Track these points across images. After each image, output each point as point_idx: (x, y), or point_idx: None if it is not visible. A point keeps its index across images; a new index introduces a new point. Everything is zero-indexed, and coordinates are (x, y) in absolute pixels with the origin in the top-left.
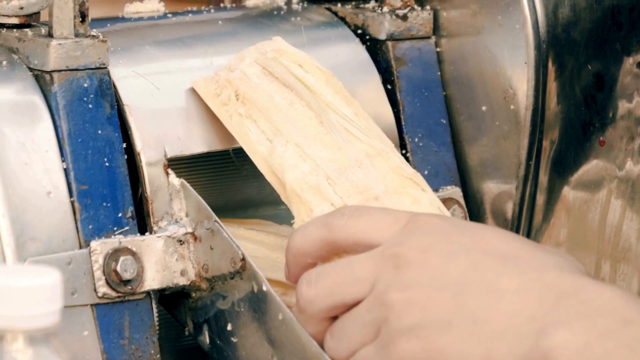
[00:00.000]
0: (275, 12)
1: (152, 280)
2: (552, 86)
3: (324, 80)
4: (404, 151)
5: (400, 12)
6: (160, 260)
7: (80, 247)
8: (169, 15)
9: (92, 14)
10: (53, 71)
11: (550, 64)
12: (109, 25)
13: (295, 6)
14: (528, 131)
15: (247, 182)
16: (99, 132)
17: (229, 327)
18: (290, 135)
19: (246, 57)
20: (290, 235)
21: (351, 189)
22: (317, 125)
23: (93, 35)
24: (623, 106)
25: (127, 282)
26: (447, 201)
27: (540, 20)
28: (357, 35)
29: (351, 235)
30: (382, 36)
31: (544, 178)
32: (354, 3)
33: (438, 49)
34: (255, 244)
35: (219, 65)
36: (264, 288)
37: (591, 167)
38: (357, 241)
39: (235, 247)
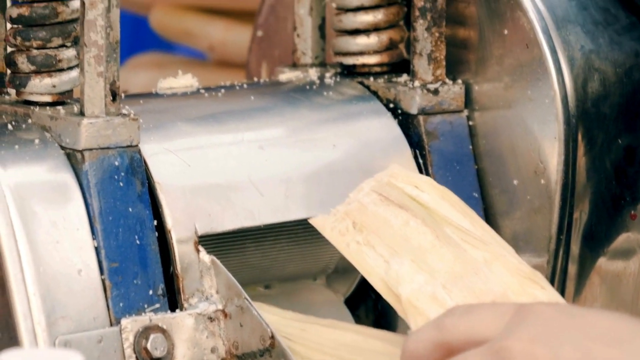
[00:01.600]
0: (308, 87)
1: (183, 358)
2: (582, 160)
3: (439, 196)
4: None
5: (432, 87)
6: (191, 337)
7: (111, 325)
8: (202, 90)
9: (139, 77)
10: (84, 150)
11: (580, 138)
12: (141, 101)
13: (328, 80)
14: (558, 205)
15: (276, 259)
16: (130, 209)
17: None
18: (405, 252)
19: (364, 188)
20: (405, 340)
21: (468, 295)
22: (433, 239)
23: (124, 114)
24: None
25: (157, 359)
26: None
27: (569, 95)
28: (389, 109)
29: (462, 333)
30: (414, 110)
31: (575, 251)
32: (386, 77)
33: (470, 123)
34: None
35: (250, 140)
36: None
37: (623, 240)
38: (468, 339)
39: (265, 324)
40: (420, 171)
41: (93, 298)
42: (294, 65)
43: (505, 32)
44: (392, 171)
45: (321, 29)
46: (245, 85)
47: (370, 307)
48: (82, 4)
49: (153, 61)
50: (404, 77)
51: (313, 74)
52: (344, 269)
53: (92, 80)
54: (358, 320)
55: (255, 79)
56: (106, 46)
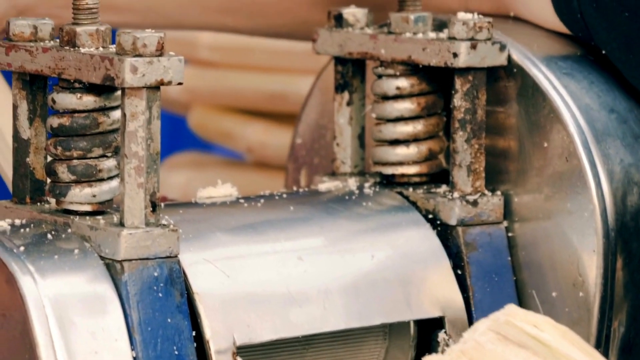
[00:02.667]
0: (347, 197)
1: None
2: (620, 273)
3: (559, 335)
4: None
5: (471, 198)
6: None
7: None
8: (241, 200)
9: (177, 177)
10: (124, 260)
11: (618, 252)
12: (181, 211)
13: (367, 190)
14: (597, 318)
15: None
16: (169, 320)
17: None
18: None
19: (479, 328)
20: None
21: None
22: None
23: (164, 224)
24: None
25: None
26: None
27: (608, 208)
28: (428, 219)
29: None
30: (453, 222)
31: None
32: (425, 187)
33: (509, 234)
34: None
35: (288, 250)
36: None
37: None
38: None
39: None
40: (459, 283)
41: None
42: (333, 174)
43: (545, 144)
44: (510, 310)
45: (360, 138)
46: (284, 195)
47: None
48: (124, 115)
49: (190, 161)
50: (443, 188)
51: (352, 183)
52: None
53: (132, 191)
54: None
55: (295, 188)
56: (147, 157)
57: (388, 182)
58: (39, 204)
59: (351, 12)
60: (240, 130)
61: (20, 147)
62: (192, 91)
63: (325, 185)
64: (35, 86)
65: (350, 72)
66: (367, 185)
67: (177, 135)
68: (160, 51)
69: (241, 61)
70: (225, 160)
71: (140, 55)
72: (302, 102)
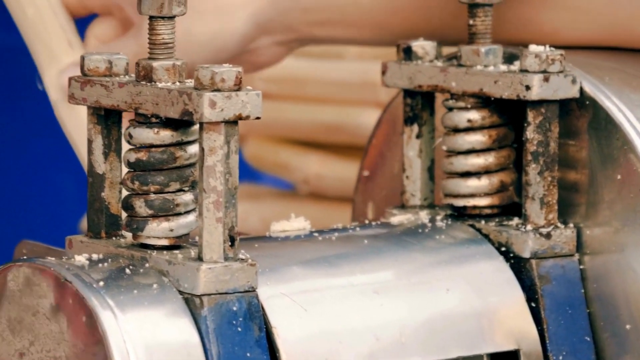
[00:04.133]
0: (420, 230)
1: None
2: None
3: None
4: None
5: (544, 231)
6: None
7: None
8: (315, 234)
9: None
10: (203, 295)
11: None
12: (256, 245)
13: (439, 223)
14: None
15: None
16: (248, 354)
17: None
18: None
19: None
20: None
21: None
22: None
23: (242, 259)
24: None
25: None
26: None
27: None
28: (501, 252)
29: None
30: (526, 254)
31: None
32: (497, 220)
33: (581, 267)
34: None
35: (364, 283)
36: None
37: None
38: None
39: None
40: (533, 316)
41: None
42: (403, 207)
43: (618, 177)
44: None
45: (430, 170)
46: (357, 228)
47: None
48: (202, 149)
49: (244, 192)
50: (516, 220)
51: (424, 216)
52: None
53: (210, 226)
54: None
55: (366, 221)
56: (225, 192)
57: (459, 214)
58: (114, 238)
59: (420, 45)
60: (297, 162)
61: (95, 181)
62: (248, 124)
63: (397, 218)
64: (110, 120)
65: (420, 104)
66: (438, 218)
67: None
68: (238, 85)
69: (296, 93)
70: (277, 191)
71: (218, 90)
72: (360, 132)
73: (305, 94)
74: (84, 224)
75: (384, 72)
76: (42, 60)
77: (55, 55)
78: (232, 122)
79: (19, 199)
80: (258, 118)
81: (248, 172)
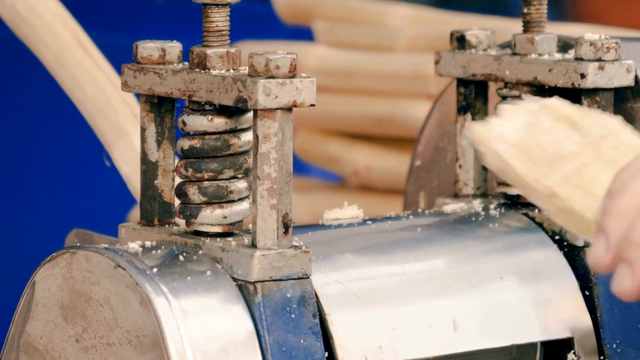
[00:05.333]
0: (473, 218)
1: None
2: None
3: None
4: (602, 357)
5: None
6: None
7: None
8: (369, 222)
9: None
10: (257, 282)
11: None
12: (309, 232)
13: (492, 212)
14: None
15: None
16: (302, 341)
17: None
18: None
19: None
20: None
21: None
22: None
23: (296, 246)
24: None
25: None
26: None
27: None
28: (555, 241)
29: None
30: (580, 243)
31: None
32: None
33: None
34: None
35: (417, 271)
36: None
37: None
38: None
39: None
40: (587, 304)
41: None
42: (456, 196)
43: None
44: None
45: None
46: (410, 216)
47: None
48: (256, 137)
49: (293, 185)
50: None
51: (477, 205)
52: None
53: (264, 213)
54: None
55: (419, 210)
56: (279, 179)
57: (513, 203)
58: (167, 226)
59: (474, 34)
60: (346, 154)
61: (148, 169)
62: (297, 115)
63: (450, 206)
64: (163, 108)
65: (473, 93)
66: (492, 206)
67: None
68: (292, 72)
69: (346, 85)
70: (326, 183)
71: (273, 77)
72: (409, 125)
73: (355, 86)
74: (133, 215)
75: (437, 62)
76: (108, 136)
77: (124, 128)
78: (287, 109)
79: (70, 189)
80: (313, 105)
81: (296, 165)
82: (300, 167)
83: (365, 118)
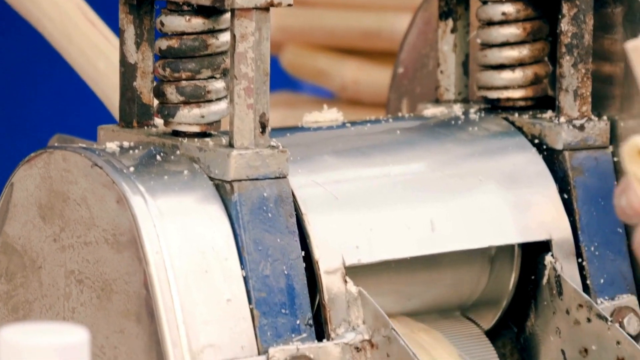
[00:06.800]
0: (452, 122)
1: None
2: None
3: None
4: (580, 259)
5: (578, 123)
6: None
7: (259, 354)
8: (348, 124)
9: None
10: (233, 181)
11: None
12: (288, 134)
13: (472, 116)
14: None
15: (419, 291)
16: (278, 240)
17: None
18: None
19: None
20: None
21: None
22: None
23: (273, 146)
24: None
25: None
26: (622, 310)
27: None
28: (534, 144)
29: None
30: (559, 146)
31: None
32: (531, 113)
33: (615, 159)
34: None
35: (396, 174)
36: None
37: None
38: None
39: (412, 354)
40: (565, 207)
41: (241, 327)
42: (437, 101)
43: None
44: None
45: (464, 65)
46: (390, 120)
47: (512, 340)
48: (233, 36)
49: (283, 100)
50: (549, 113)
51: (457, 109)
52: (487, 300)
53: (241, 112)
54: (498, 351)
55: (400, 114)
56: (256, 78)
57: (493, 107)
58: (145, 127)
59: None
60: (335, 69)
61: (127, 71)
62: (286, 30)
63: (430, 111)
64: (142, 10)
65: None
66: (472, 110)
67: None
68: None
69: None
70: (316, 99)
71: None
72: (397, 38)
73: (343, 1)
74: None
75: None
76: None
77: None
78: (264, 9)
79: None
80: (290, 5)
81: (287, 81)
82: (291, 83)
83: (353, 32)
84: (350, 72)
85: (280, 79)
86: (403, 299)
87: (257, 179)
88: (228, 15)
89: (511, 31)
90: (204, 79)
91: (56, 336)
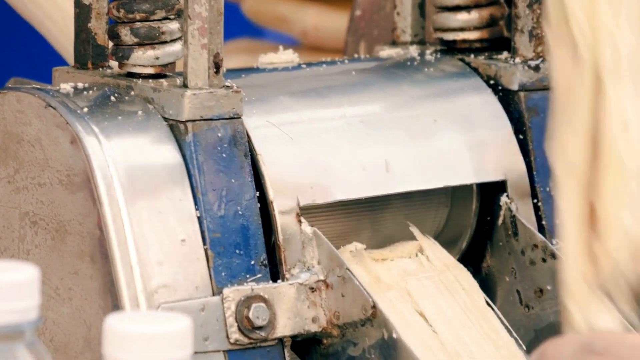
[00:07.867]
0: (408, 63)
1: (284, 327)
2: None
3: None
4: (535, 200)
5: (533, 63)
6: (292, 307)
7: (213, 294)
8: (303, 66)
9: (231, 63)
10: (187, 121)
11: None
12: (243, 75)
13: (428, 57)
14: None
15: (375, 231)
16: (233, 180)
17: None
18: None
19: None
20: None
21: None
22: None
23: (227, 86)
24: None
25: (259, 328)
26: None
27: None
28: (490, 85)
29: None
30: (514, 87)
31: None
32: (486, 54)
33: None
34: None
35: (351, 115)
36: (394, 335)
37: None
38: None
39: (366, 294)
40: (521, 148)
41: (195, 268)
42: (394, 43)
43: None
44: None
45: (421, 7)
46: (346, 61)
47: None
48: None
49: (244, 47)
50: (505, 54)
51: (413, 51)
52: (446, 241)
53: (195, 52)
54: None
55: (356, 56)
56: (210, 18)
57: (449, 49)
58: (101, 69)
59: None
60: (296, 15)
61: (81, 12)
62: None
63: (387, 52)
64: None
65: None
66: (428, 52)
67: (230, 22)
68: None
69: None
70: (278, 45)
71: None
72: None
73: None
74: None
75: None
76: None
77: None
78: None
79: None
80: None
81: (249, 28)
82: (253, 30)
83: None
84: (311, 18)
85: (242, 26)
86: (357, 239)
87: (211, 119)
88: None
89: None
90: (158, 20)
91: (5, 273)
